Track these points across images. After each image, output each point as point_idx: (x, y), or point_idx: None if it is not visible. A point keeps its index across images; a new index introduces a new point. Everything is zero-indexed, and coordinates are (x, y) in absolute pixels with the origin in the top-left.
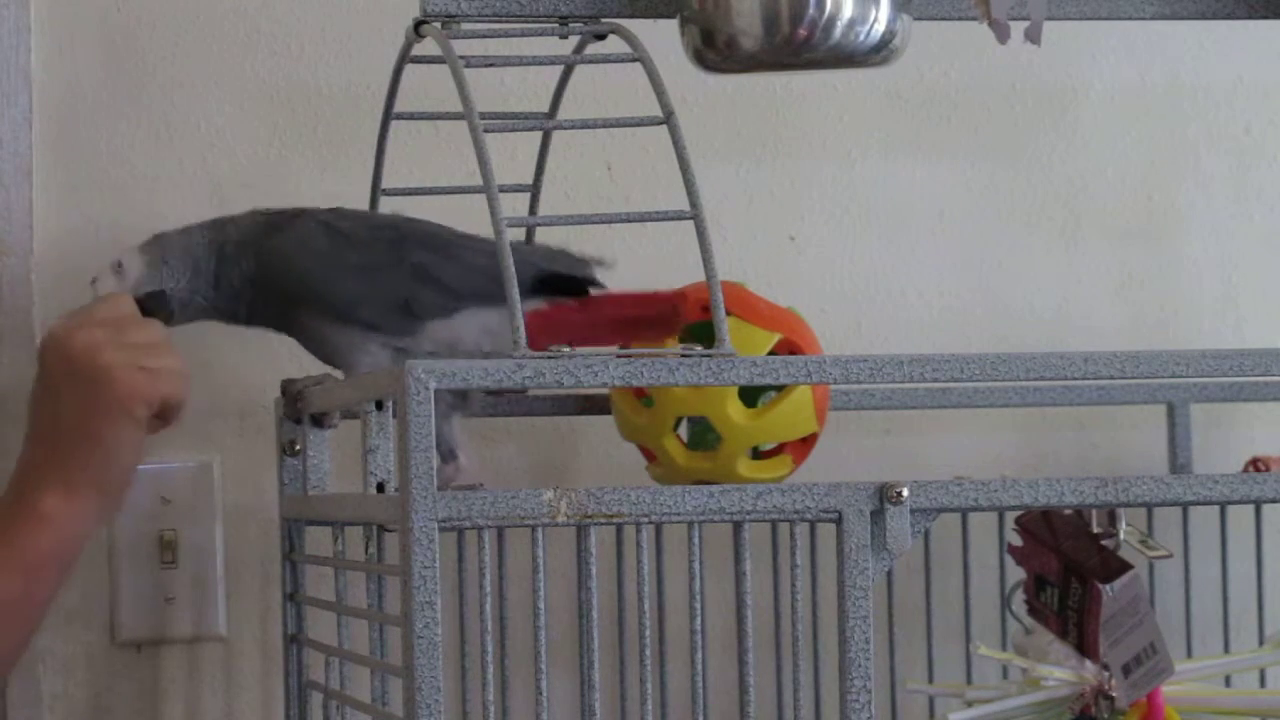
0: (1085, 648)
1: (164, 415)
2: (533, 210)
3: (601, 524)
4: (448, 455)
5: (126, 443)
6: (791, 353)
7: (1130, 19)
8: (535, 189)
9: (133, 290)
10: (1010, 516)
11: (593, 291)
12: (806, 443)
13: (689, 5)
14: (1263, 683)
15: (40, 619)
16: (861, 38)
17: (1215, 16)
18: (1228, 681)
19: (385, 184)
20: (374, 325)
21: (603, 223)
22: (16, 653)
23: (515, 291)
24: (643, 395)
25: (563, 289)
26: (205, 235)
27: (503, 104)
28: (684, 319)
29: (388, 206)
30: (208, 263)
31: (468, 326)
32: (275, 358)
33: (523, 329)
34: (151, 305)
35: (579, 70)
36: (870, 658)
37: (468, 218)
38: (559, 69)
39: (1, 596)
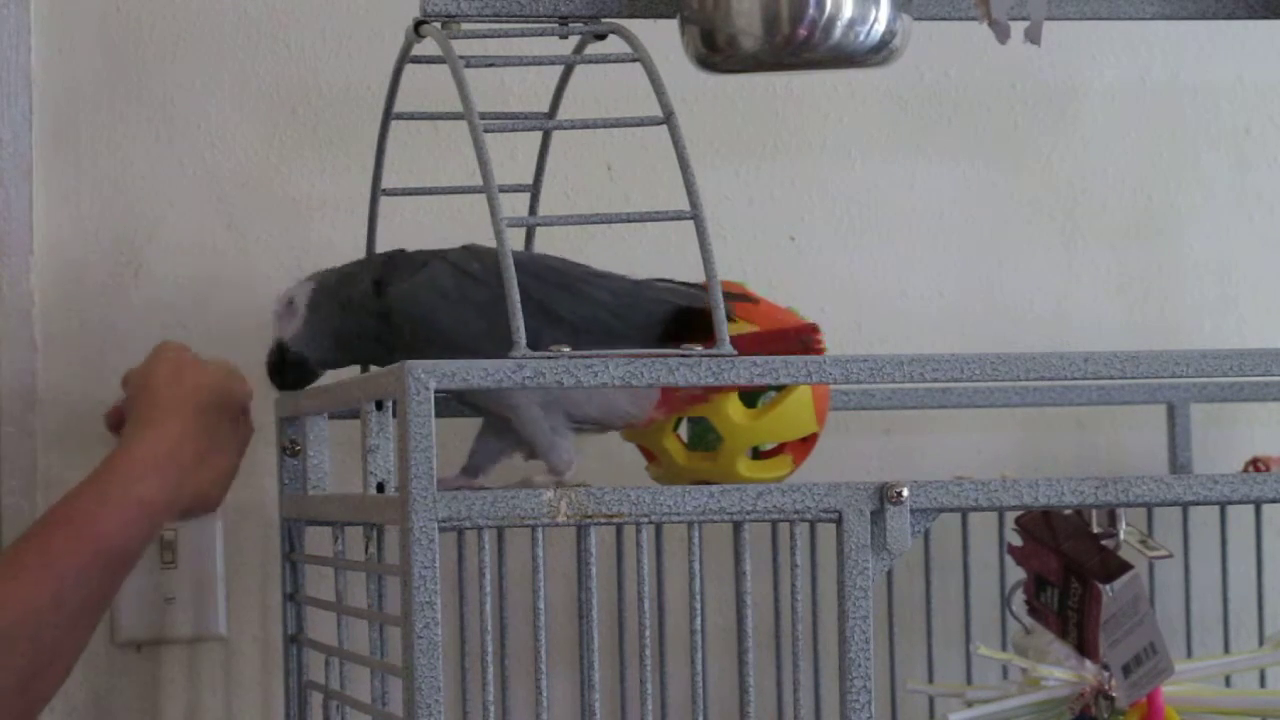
0: (1085, 648)
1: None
2: (533, 210)
3: (601, 524)
4: (474, 472)
5: (230, 473)
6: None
7: (1130, 19)
8: (535, 189)
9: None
10: (1010, 516)
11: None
12: (806, 443)
13: (689, 5)
14: (1263, 683)
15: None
16: (861, 38)
17: (1215, 16)
18: (1228, 681)
19: (385, 184)
20: None
21: (603, 223)
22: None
23: (515, 292)
24: None
25: (693, 327)
26: (332, 284)
27: (503, 104)
28: (818, 349)
29: (388, 206)
30: (334, 314)
31: None
32: None
33: (522, 328)
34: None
35: (579, 70)
36: (870, 658)
37: (468, 218)
38: (559, 69)
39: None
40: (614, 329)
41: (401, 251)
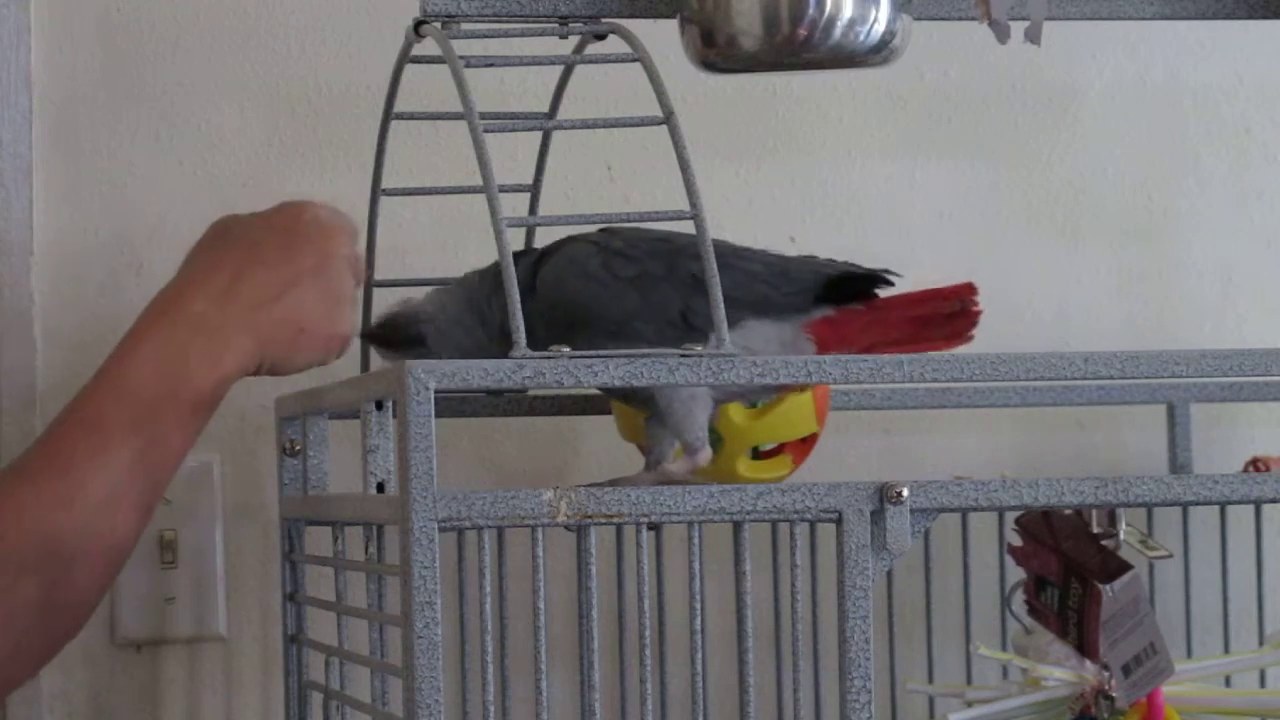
0: (1085, 648)
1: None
2: (533, 210)
3: (601, 524)
4: (658, 462)
5: (315, 311)
6: None
7: (1130, 19)
8: (535, 189)
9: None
10: (1010, 516)
11: (880, 294)
12: (806, 443)
13: (689, 5)
14: (1263, 683)
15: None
16: (861, 38)
17: (1215, 16)
18: (1228, 681)
19: (385, 184)
20: (652, 341)
21: (603, 223)
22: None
23: (515, 291)
24: None
25: (851, 294)
26: (462, 294)
27: (503, 104)
28: (974, 311)
29: (388, 206)
30: (472, 311)
31: (752, 339)
32: None
33: (522, 328)
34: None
35: (579, 70)
36: (870, 658)
37: (468, 218)
38: (559, 69)
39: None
40: (770, 298)
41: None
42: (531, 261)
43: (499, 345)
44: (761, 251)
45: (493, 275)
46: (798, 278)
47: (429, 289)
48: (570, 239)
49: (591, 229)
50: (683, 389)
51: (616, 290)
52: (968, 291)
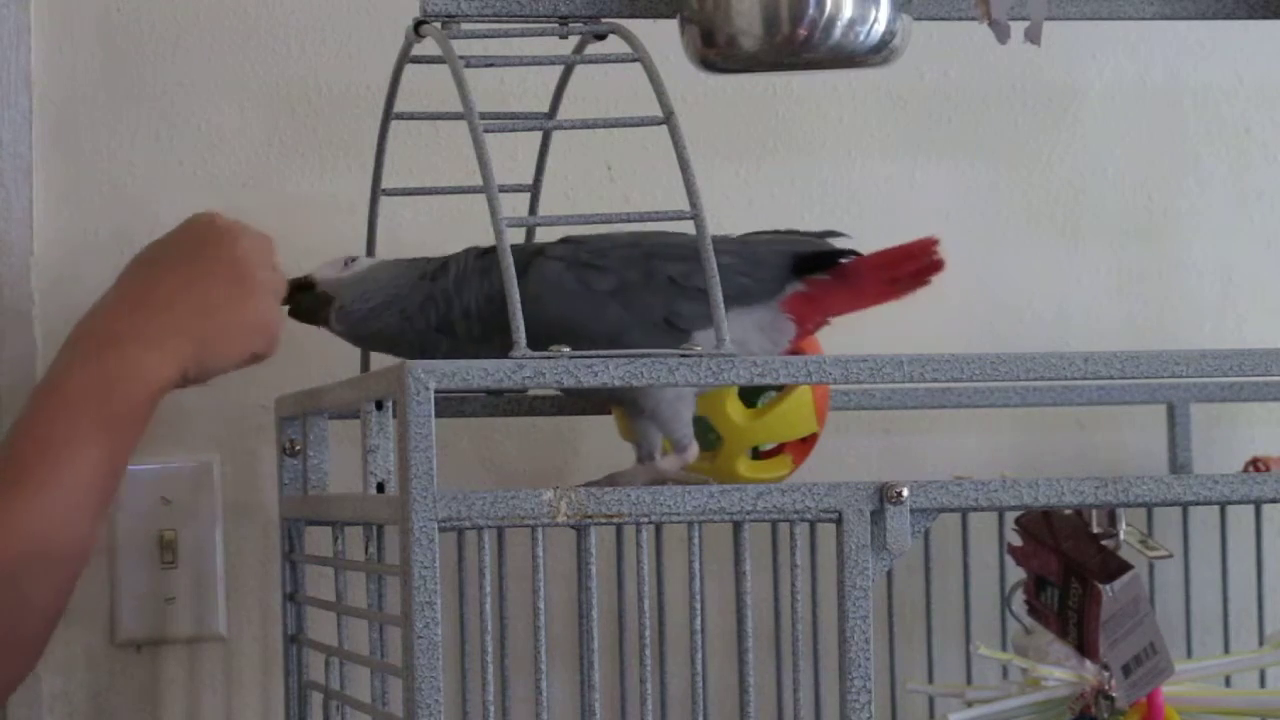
0: (1085, 648)
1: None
2: (533, 210)
3: (601, 524)
4: (647, 456)
5: (241, 344)
6: (794, 353)
7: (1130, 19)
8: (535, 189)
9: (334, 283)
10: (1010, 516)
11: (843, 261)
12: (806, 443)
13: (689, 5)
14: (1263, 683)
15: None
16: (861, 38)
17: (1215, 16)
18: (1228, 681)
19: (385, 184)
20: (643, 347)
21: (603, 223)
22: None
23: (515, 290)
24: None
25: (815, 265)
26: (413, 271)
27: (503, 104)
28: (939, 261)
29: (388, 206)
30: (414, 298)
31: (738, 328)
32: (274, 357)
33: (522, 327)
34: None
35: (579, 70)
36: (870, 658)
37: (468, 218)
38: (559, 69)
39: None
40: (748, 289)
41: (477, 249)
42: (481, 272)
43: (442, 337)
44: (723, 239)
45: (463, 267)
46: (767, 262)
47: (371, 263)
48: (536, 254)
49: (590, 229)
50: (668, 389)
51: (597, 304)
52: (930, 245)
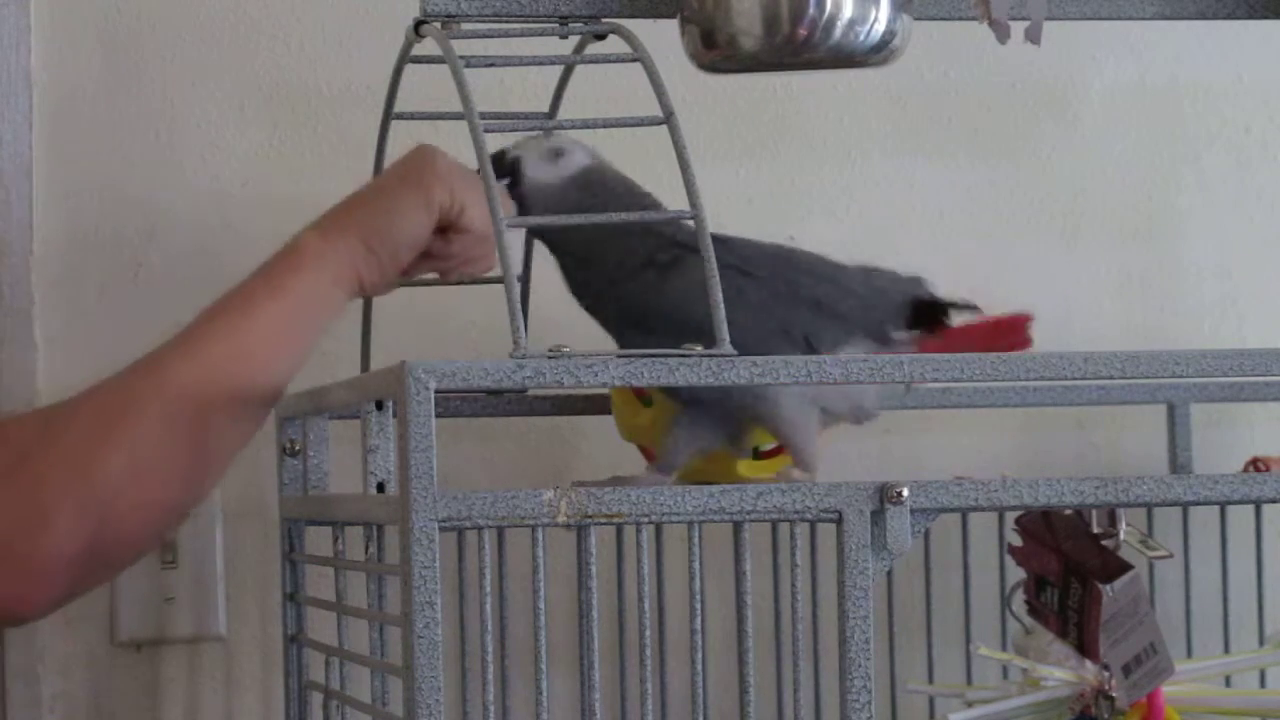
0: (1085, 648)
1: (455, 234)
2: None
3: (601, 524)
4: (668, 469)
5: (408, 210)
6: None
7: (1130, 19)
8: None
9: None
10: (1010, 516)
11: (952, 320)
12: None
13: (689, 5)
14: (1263, 683)
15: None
16: (861, 38)
17: (1215, 16)
18: (1228, 681)
19: None
20: None
21: (603, 223)
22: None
23: (515, 292)
24: (643, 395)
25: (929, 318)
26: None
27: (503, 104)
28: (1029, 340)
29: None
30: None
31: None
32: None
33: (523, 329)
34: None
35: (579, 70)
36: (870, 658)
37: None
38: (559, 69)
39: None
40: (874, 323)
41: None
42: (660, 268)
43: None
44: (842, 266)
45: (649, 252)
46: (891, 300)
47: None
48: (685, 248)
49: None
50: (785, 409)
51: (741, 311)
52: (1024, 322)
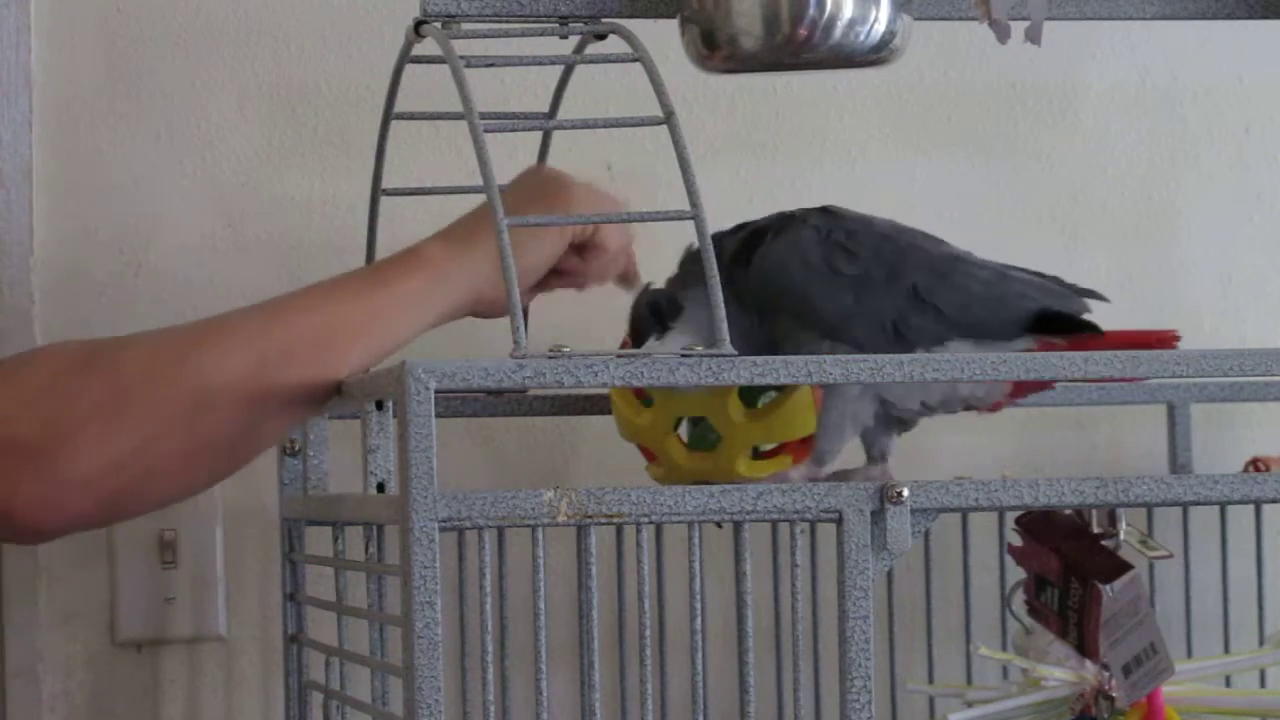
0: (1085, 648)
1: (593, 253)
2: None
3: (601, 524)
4: (879, 458)
5: (543, 231)
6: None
7: (1130, 19)
8: None
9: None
10: (1010, 516)
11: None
12: (806, 443)
13: (689, 5)
14: (1263, 683)
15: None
16: (861, 38)
17: (1215, 16)
18: (1228, 681)
19: (385, 184)
20: (863, 347)
21: (603, 223)
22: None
23: (516, 294)
24: (643, 395)
25: (1058, 327)
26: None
27: (503, 104)
28: None
29: (388, 206)
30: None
31: None
32: None
33: (523, 329)
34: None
35: (579, 70)
36: (870, 658)
37: None
38: (559, 69)
39: (356, 318)
40: (984, 321)
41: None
42: (744, 236)
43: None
44: (979, 262)
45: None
46: (1013, 305)
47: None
48: (791, 218)
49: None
50: (847, 405)
51: (835, 288)
52: (1171, 339)
